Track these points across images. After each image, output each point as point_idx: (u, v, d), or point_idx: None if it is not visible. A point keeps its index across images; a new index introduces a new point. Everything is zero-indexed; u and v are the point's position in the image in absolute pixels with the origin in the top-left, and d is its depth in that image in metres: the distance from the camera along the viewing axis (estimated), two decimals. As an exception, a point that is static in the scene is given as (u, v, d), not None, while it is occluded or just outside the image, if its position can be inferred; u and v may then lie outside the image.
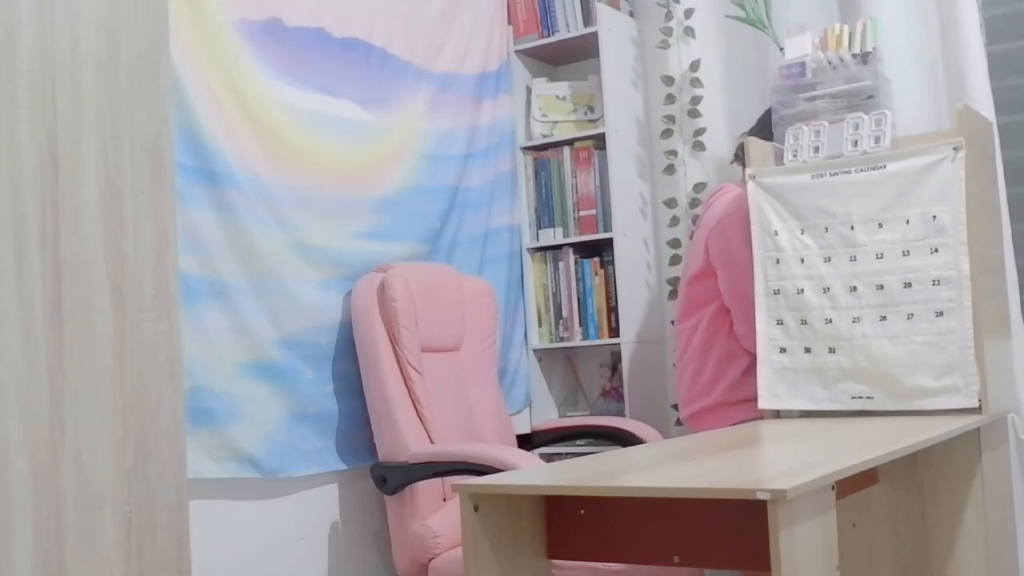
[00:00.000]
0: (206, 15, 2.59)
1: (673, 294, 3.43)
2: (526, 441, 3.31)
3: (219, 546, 2.54)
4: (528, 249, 3.64)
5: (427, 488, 2.76)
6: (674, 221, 3.43)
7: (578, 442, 3.41)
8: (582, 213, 3.55)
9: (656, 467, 1.81)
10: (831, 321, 2.72)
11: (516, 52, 3.69)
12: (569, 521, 1.71)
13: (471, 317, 3.15)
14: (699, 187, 3.37)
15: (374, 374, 2.82)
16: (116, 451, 1.85)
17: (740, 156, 2.83)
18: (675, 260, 3.44)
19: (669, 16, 3.45)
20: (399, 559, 2.77)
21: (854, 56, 2.86)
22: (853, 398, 2.69)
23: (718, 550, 1.52)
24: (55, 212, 1.79)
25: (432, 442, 2.84)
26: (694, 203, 3.38)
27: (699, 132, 3.39)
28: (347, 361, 2.90)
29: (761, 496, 1.36)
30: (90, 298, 1.83)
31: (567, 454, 3.49)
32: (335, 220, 2.90)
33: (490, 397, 3.13)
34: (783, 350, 2.81)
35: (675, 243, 3.42)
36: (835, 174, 2.74)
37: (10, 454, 1.67)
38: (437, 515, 2.74)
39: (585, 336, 3.54)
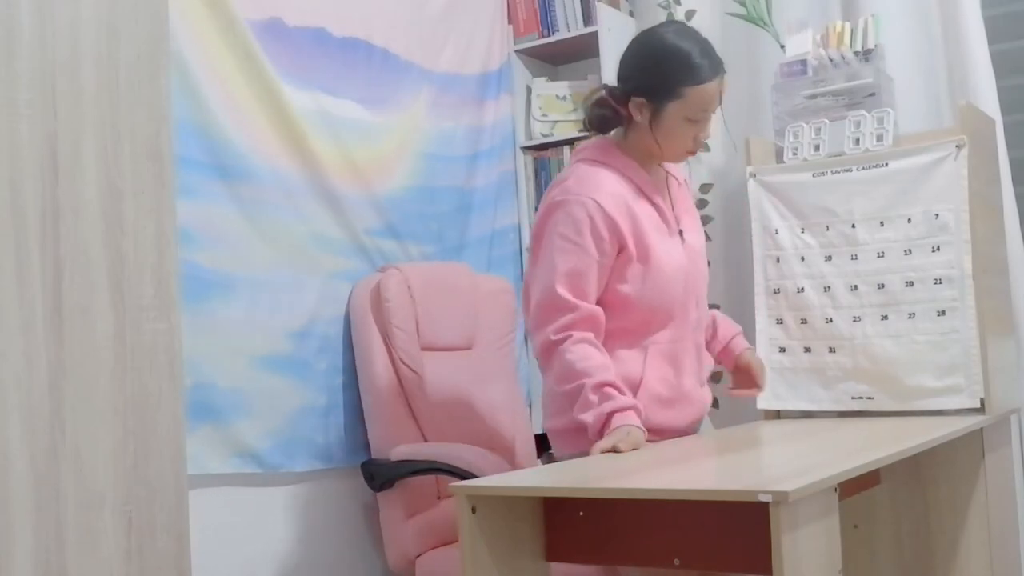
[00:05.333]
0: (219, 9, 2.60)
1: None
2: (544, 441, 3.29)
3: (219, 546, 2.54)
4: (528, 249, 3.63)
5: (420, 486, 2.77)
6: (677, 221, 3.42)
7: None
8: (583, 212, 3.54)
9: (656, 469, 1.81)
10: (832, 320, 2.72)
11: (516, 52, 3.69)
12: (568, 523, 1.70)
13: (486, 315, 3.13)
14: (705, 188, 3.36)
15: (367, 374, 2.84)
16: (116, 451, 1.85)
17: (596, 118, 2.34)
18: (679, 260, 3.43)
19: (670, 17, 3.44)
20: (390, 554, 2.79)
21: (856, 53, 2.85)
22: (854, 398, 2.69)
23: (719, 553, 1.51)
24: (55, 212, 1.78)
25: (426, 441, 2.84)
26: (700, 204, 3.37)
27: (703, 133, 3.38)
28: (352, 356, 2.91)
29: (763, 498, 1.36)
30: (90, 298, 1.83)
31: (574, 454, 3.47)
32: (342, 217, 2.91)
33: (507, 396, 3.12)
34: (783, 350, 2.80)
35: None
36: (836, 172, 2.73)
37: (10, 454, 1.67)
38: (425, 513, 2.77)
39: (586, 335, 3.52)
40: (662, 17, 3.46)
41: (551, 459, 3.25)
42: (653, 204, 2.27)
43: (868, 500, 2.68)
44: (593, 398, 2.07)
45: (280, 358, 2.70)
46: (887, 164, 2.67)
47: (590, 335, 2.15)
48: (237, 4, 2.65)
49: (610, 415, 2.05)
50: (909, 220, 2.63)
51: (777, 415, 2.83)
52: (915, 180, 2.63)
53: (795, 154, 2.85)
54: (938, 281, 2.59)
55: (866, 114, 2.76)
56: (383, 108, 3.10)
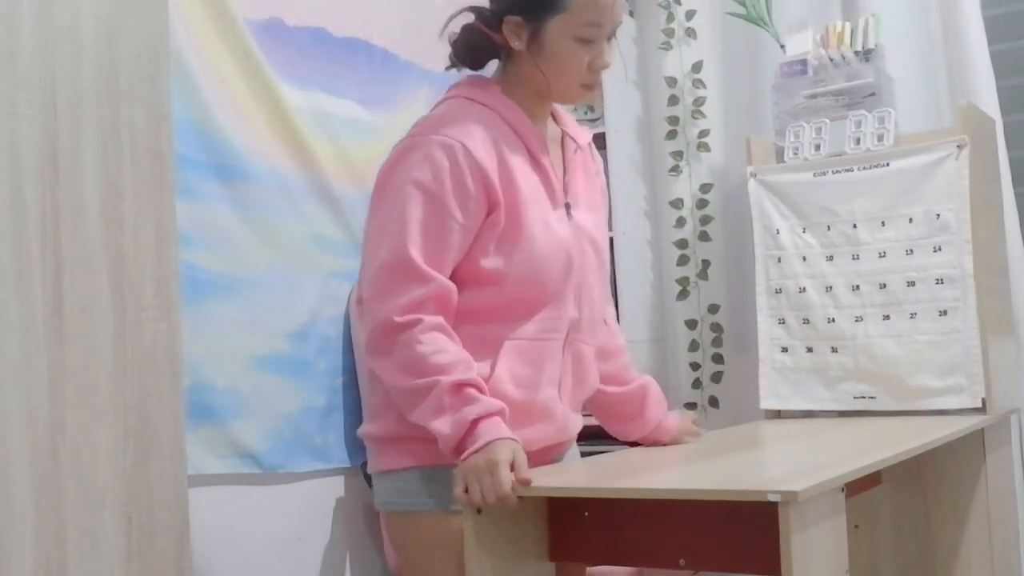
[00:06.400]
0: (219, 8, 2.60)
1: (683, 294, 3.41)
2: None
3: (219, 546, 2.53)
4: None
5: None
6: (680, 222, 3.41)
7: (579, 443, 3.39)
8: (582, 212, 3.54)
9: (661, 468, 1.81)
10: (833, 320, 2.72)
11: (516, 51, 3.68)
12: (572, 523, 1.70)
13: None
14: (706, 188, 3.36)
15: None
16: (116, 451, 1.84)
17: (465, 50, 1.93)
18: (683, 260, 3.42)
19: (671, 18, 3.44)
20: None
21: (856, 53, 2.85)
22: (855, 398, 2.69)
23: (725, 552, 1.51)
24: (55, 212, 1.77)
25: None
26: (701, 204, 3.37)
27: (703, 133, 3.38)
28: (352, 357, 2.91)
29: (772, 498, 1.35)
30: (90, 297, 1.82)
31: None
32: (341, 217, 2.91)
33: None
34: (785, 349, 2.80)
35: (682, 243, 3.41)
36: (837, 172, 2.73)
37: (10, 454, 1.66)
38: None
39: (585, 336, 3.51)
40: (662, 17, 3.46)
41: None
42: (536, 163, 1.82)
43: (869, 500, 2.68)
44: (449, 400, 1.63)
45: (279, 358, 2.70)
46: (888, 164, 2.66)
47: (441, 319, 1.70)
48: (237, 4, 2.65)
49: (474, 423, 1.61)
50: (910, 220, 2.63)
51: (778, 415, 2.83)
52: (916, 180, 2.63)
53: (796, 154, 2.85)
54: (939, 281, 2.59)
55: (867, 114, 2.76)
56: (383, 108, 3.10)
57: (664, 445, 2.11)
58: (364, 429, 1.88)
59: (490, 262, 1.74)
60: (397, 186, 1.73)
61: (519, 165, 1.78)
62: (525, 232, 1.75)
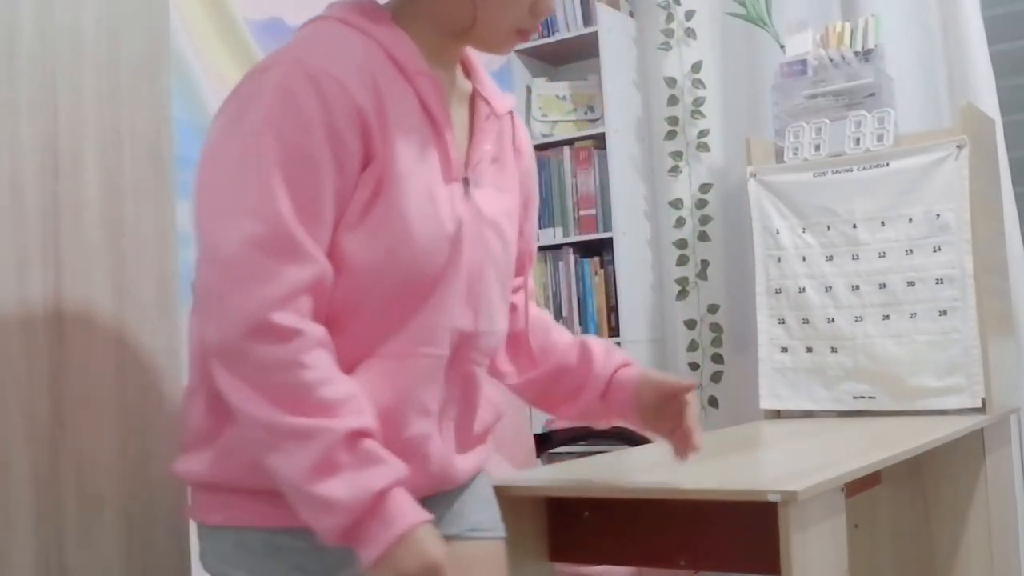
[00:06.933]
0: (219, 8, 2.60)
1: (682, 294, 3.41)
2: (543, 441, 3.28)
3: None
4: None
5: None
6: (680, 222, 3.42)
7: (580, 443, 3.39)
8: (582, 213, 3.54)
9: (661, 468, 1.80)
10: (833, 320, 2.72)
11: (516, 52, 3.68)
12: (572, 523, 1.70)
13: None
14: (705, 188, 3.36)
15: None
16: (116, 451, 1.84)
17: None
18: (682, 260, 3.43)
19: (670, 18, 3.44)
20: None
21: (856, 53, 2.85)
22: (855, 398, 2.69)
23: (725, 552, 1.51)
24: (55, 212, 1.77)
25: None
26: (700, 204, 3.37)
27: (703, 134, 3.39)
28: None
29: (772, 498, 1.35)
30: (90, 298, 1.82)
31: (575, 454, 3.47)
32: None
33: (506, 395, 3.10)
34: (784, 349, 2.80)
35: (682, 243, 3.41)
36: (837, 172, 2.74)
37: (10, 454, 1.66)
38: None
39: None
40: (662, 18, 3.46)
41: (551, 459, 3.25)
42: (429, 118, 1.32)
43: (868, 500, 2.68)
44: (346, 458, 1.16)
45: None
46: (888, 164, 2.67)
47: (324, 331, 1.23)
48: (237, 4, 2.65)
49: (380, 497, 1.16)
50: (910, 220, 2.63)
51: (777, 415, 2.83)
52: (916, 180, 2.63)
53: (795, 154, 2.85)
54: (939, 281, 2.59)
55: (866, 114, 2.76)
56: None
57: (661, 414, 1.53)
58: (184, 466, 1.39)
59: (354, 240, 1.25)
60: (248, 136, 1.22)
61: (403, 116, 1.28)
62: (397, 204, 1.25)
